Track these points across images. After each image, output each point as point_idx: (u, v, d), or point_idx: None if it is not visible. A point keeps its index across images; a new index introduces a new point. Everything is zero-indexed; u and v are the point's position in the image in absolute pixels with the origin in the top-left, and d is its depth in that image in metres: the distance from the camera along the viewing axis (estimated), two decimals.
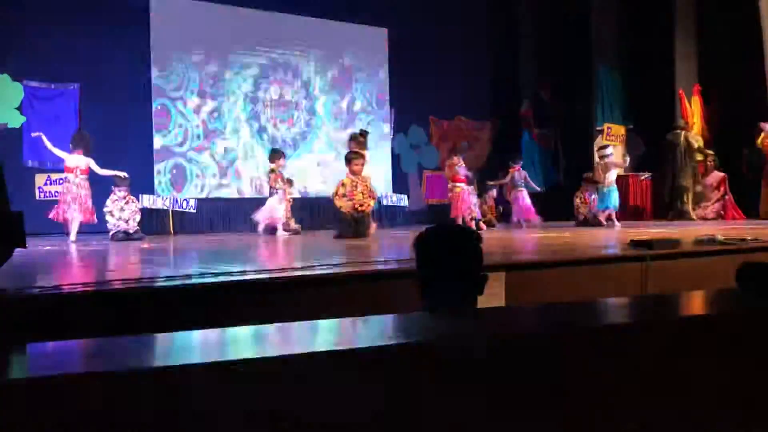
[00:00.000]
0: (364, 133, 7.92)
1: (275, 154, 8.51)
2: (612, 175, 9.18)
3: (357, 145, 7.55)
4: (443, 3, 11.48)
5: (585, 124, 11.72)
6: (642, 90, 11.41)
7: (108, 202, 7.62)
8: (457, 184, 8.88)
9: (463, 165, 9.05)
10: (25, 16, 8.73)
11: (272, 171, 8.34)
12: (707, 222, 9.48)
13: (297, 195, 9.45)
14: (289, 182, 8.81)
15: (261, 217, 8.16)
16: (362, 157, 7.34)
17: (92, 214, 7.50)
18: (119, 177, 7.73)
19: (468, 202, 8.89)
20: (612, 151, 9.88)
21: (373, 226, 7.50)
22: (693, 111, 10.77)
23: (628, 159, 9.87)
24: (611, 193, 9.10)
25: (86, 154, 7.60)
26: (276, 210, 8.17)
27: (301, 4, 10.79)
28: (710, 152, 10.55)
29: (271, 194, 8.29)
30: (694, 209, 10.35)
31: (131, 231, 7.55)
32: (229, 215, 10.00)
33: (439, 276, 1.93)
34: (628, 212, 10.95)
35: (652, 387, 1.28)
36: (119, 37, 9.23)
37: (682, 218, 10.16)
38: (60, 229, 8.39)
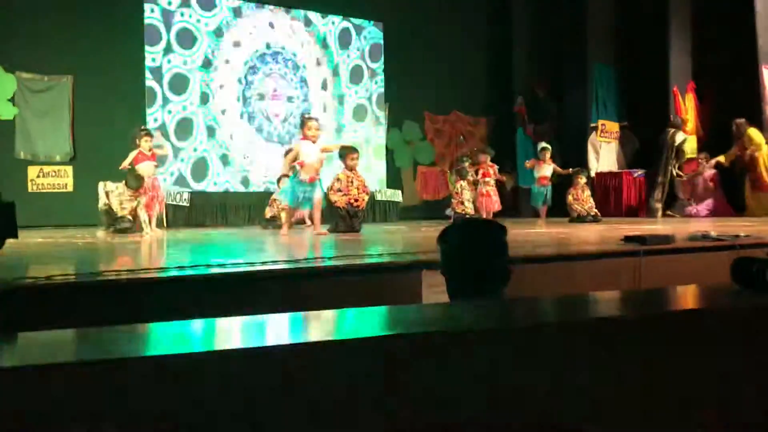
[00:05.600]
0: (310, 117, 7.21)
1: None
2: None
3: (309, 127, 6.74)
4: None
5: (579, 120, 11.73)
6: (636, 87, 11.43)
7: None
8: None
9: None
10: (18, 8, 8.67)
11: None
12: (701, 219, 9.51)
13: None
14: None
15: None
16: (357, 151, 7.31)
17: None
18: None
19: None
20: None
21: None
22: (687, 108, 10.80)
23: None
24: None
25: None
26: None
27: None
28: (702, 155, 10.59)
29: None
30: (664, 206, 10.60)
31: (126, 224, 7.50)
32: (224, 209, 9.97)
33: (464, 269, 1.91)
34: (622, 209, 11.00)
35: (645, 381, 1.28)
36: (113, 29, 9.19)
37: (650, 215, 10.36)
38: (51, 221, 8.38)
